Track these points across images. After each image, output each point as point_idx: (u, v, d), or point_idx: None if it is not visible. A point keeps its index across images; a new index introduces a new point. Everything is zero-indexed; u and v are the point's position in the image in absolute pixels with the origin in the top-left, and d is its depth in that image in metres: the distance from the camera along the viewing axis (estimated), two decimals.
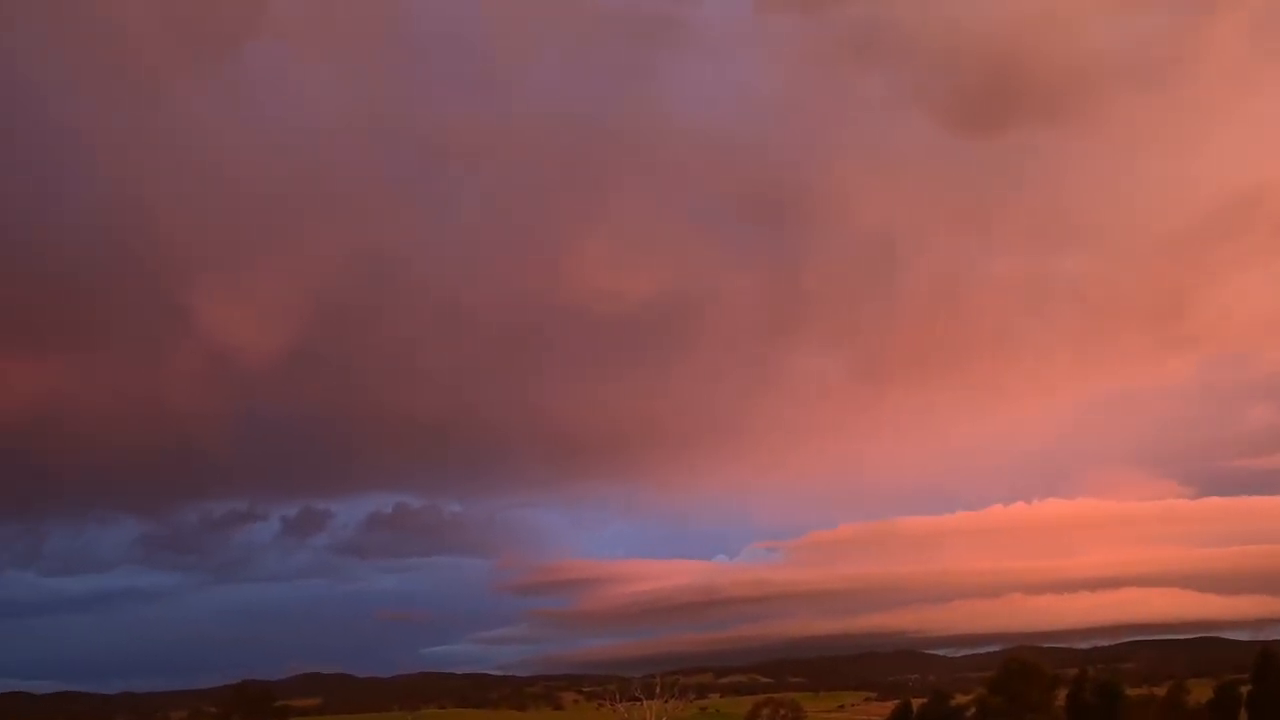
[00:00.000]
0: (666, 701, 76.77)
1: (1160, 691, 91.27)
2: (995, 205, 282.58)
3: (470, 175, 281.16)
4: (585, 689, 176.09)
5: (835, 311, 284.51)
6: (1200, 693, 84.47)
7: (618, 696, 78.63)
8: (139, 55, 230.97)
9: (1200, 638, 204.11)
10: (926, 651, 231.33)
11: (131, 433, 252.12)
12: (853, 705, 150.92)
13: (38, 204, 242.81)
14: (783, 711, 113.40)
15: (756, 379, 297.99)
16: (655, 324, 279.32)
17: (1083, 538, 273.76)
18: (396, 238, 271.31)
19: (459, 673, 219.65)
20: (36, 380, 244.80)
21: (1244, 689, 77.92)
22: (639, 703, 76.64)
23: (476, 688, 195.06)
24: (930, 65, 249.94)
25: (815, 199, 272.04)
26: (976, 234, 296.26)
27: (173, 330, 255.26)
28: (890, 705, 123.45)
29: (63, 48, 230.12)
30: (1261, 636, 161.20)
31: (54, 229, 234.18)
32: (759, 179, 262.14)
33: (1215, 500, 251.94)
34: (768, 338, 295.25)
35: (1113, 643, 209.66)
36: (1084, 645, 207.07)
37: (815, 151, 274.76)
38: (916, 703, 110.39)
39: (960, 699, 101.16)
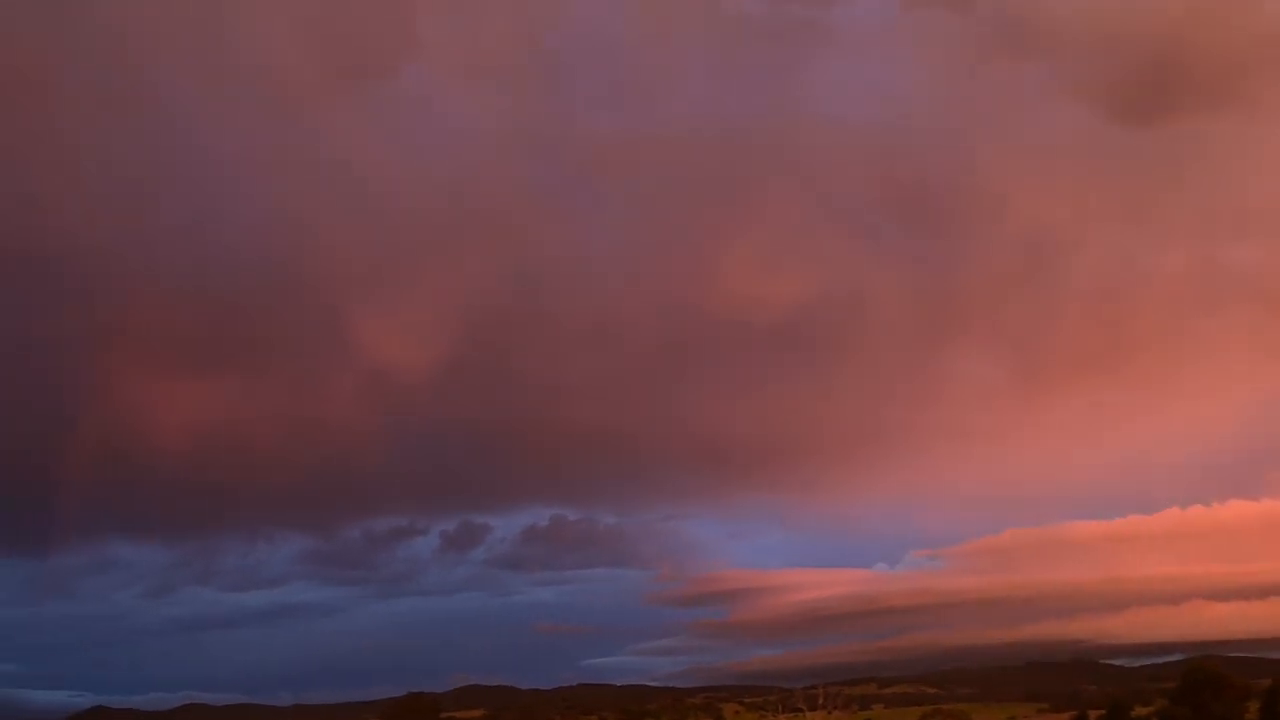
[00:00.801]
0: (830, 712, 75.04)
1: None
2: (1161, 197, 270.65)
3: (618, 186, 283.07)
4: (746, 700, 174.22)
5: (993, 312, 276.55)
6: None
7: (780, 707, 77.29)
8: (295, 81, 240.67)
9: None
10: (1102, 661, 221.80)
11: (296, 452, 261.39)
12: (1025, 716, 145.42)
13: (199, 229, 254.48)
14: None
15: (913, 384, 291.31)
16: (807, 330, 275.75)
17: (1270, 541, 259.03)
18: (547, 251, 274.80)
19: (618, 684, 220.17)
20: (205, 402, 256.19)
21: None
22: (801, 713, 75.09)
23: (636, 699, 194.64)
24: (1088, 53, 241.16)
25: (969, 196, 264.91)
26: (1141, 227, 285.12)
27: (332, 350, 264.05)
28: (1065, 717, 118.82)
29: (220, 75, 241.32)
30: None
31: (216, 254, 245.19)
32: (910, 178, 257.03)
33: None
34: (923, 341, 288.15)
35: None
36: (1277, 655, 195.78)
37: (967, 147, 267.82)
38: (1094, 714, 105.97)
39: (1140, 711, 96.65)
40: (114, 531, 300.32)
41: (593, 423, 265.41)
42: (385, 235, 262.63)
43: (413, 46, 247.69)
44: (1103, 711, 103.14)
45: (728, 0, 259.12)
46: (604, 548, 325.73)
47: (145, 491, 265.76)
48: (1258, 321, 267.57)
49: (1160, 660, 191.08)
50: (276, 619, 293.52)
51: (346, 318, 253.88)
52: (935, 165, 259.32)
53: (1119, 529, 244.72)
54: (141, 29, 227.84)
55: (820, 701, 76.35)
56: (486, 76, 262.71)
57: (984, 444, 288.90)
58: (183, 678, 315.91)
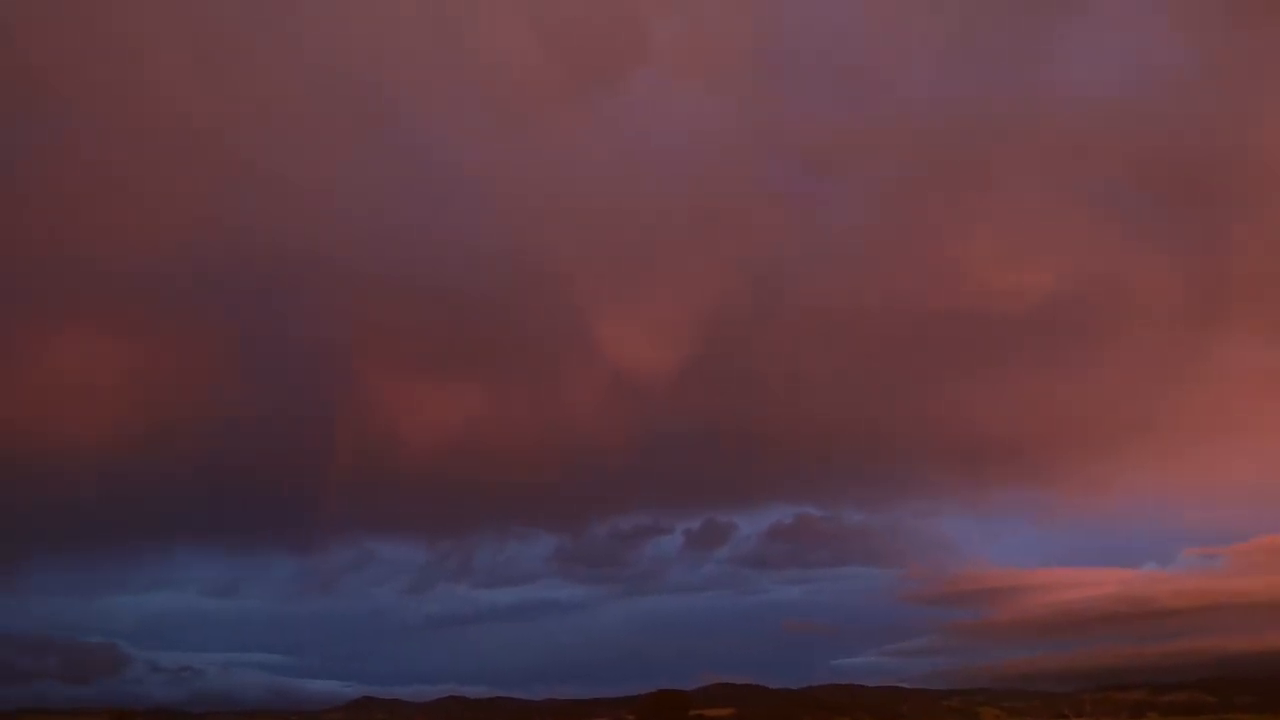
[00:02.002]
0: (1098, 719, 70.64)
1: None
2: None
3: (852, 178, 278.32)
4: (1005, 704, 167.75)
5: (1270, 294, 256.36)
6: None
7: (1043, 712, 73.33)
8: (528, 91, 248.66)
9: None
10: None
11: (543, 452, 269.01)
12: None
13: (446, 237, 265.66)
14: None
15: (1181, 373, 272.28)
16: (1058, 319, 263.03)
17: None
18: (783, 247, 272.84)
19: (870, 685, 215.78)
20: (459, 406, 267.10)
21: None
22: (1066, 719, 71.01)
23: (889, 700, 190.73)
24: None
25: (1237, 171, 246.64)
26: None
27: (575, 352, 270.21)
28: None
29: (457, 86, 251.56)
30: None
31: (464, 264, 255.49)
32: (1171, 154, 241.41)
33: None
34: (1191, 326, 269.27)
35: None
36: None
37: (1238, 117, 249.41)
38: None
39: None
40: (373, 530, 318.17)
41: (836, 419, 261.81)
42: (623, 238, 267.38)
43: (643, 49, 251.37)
44: None
45: None
46: (851, 545, 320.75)
47: (401, 491, 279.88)
48: None
49: None
50: (528, 615, 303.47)
51: (589, 319, 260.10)
52: (1197, 140, 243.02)
53: None
54: (381, 45, 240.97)
55: (1087, 708, 72.04)
56: (715, 74, 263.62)
57: (1265, 435, 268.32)
58: (442, 671, 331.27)
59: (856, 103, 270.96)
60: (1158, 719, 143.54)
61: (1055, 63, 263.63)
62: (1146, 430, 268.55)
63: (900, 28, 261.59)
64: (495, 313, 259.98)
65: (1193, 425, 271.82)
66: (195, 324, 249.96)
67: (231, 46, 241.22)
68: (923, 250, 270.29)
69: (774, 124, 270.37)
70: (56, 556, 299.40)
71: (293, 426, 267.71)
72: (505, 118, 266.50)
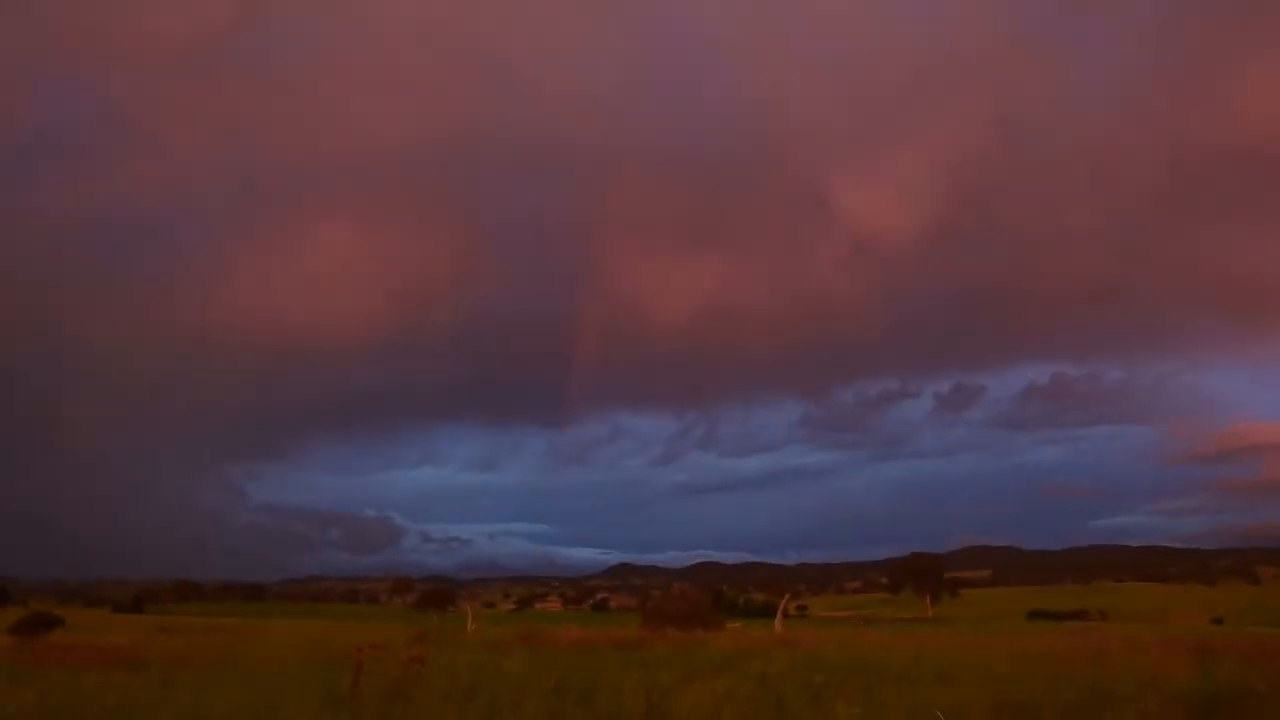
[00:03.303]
0: None
1: None
2: None
3: (1108, 15, 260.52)
4: None
5: None
6: None
7: None
8: None
9: None
10: None
11: (786, 321, 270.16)
12: None
13: (683, 113, 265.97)
14: None
15: None
16: None
17: None
18: (1035, 97, 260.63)
19: (1133, 545, 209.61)
20: (699, 280, 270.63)
21: None
22: None
23: (1154, 561, 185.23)
24: None
25: None
26: None
27: (816, 221, 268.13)
28: None
29: None
30: None
31: (698, 136, 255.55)
32: None
33: None
34: None
35: None
36: None
37: None
38: None
39: None
40: (622, 403, 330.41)
41: (1093, 272, 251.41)
42: (862, 94, 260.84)
43: None
44: None
45: None
46: (1110, 404, 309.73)
47: (648, 365, 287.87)
48: None
49: None
50: (775, 482, 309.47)
51: (830, 182, 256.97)
52: None
53: None
54: None
55: None
56: None
57: None
58: (693, 538, 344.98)
59: None
60: None
61: None
62: None
63: None
64: (734, 182, 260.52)
65: None
66: (447, 213, 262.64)
67: None
68: (1191, 87, 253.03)
69: None
70: (332, 437, 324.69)
71: (542, 306, 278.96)
72: None
